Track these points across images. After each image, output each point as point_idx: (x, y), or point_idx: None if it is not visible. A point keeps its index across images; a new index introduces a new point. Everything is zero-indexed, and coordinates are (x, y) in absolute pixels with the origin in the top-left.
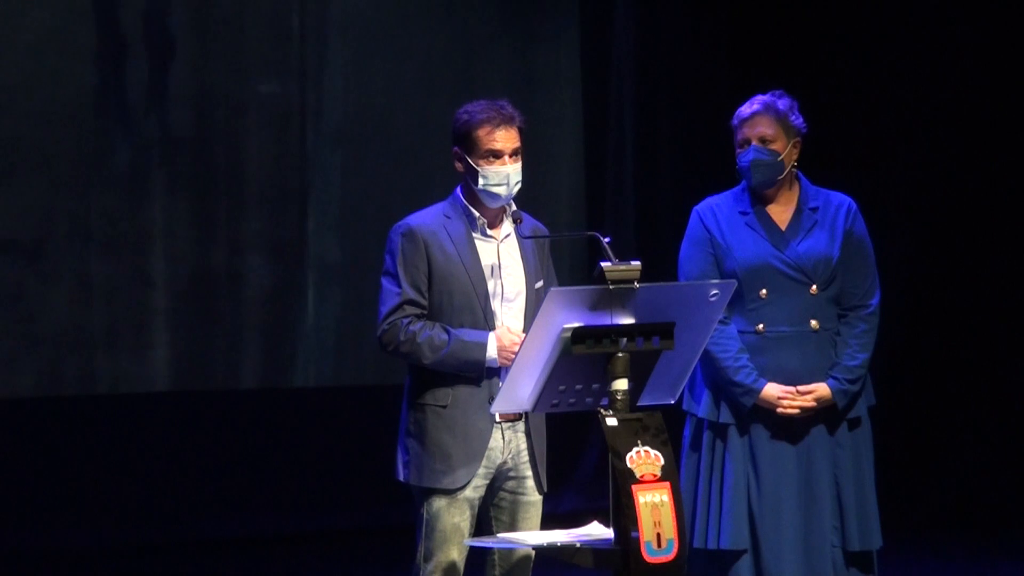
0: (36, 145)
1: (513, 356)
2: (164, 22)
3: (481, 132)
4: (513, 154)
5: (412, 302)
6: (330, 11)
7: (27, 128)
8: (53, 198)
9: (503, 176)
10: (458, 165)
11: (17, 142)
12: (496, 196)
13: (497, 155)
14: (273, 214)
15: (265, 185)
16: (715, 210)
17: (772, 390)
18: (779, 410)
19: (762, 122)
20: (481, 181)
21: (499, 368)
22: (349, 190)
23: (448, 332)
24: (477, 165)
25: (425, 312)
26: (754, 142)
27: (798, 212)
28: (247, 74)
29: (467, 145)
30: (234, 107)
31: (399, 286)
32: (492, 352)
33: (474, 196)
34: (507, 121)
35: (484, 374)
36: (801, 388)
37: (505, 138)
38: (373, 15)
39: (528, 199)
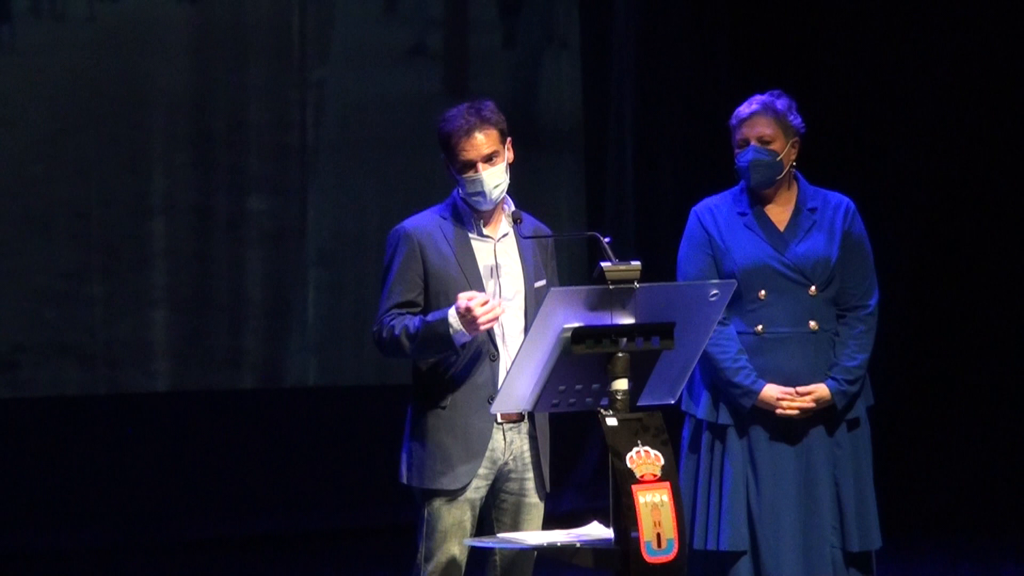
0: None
1: (477, 317)
2: None
3: (453, 141)
4: (487, 159)
5: (403, 304)
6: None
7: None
8: (54, 199)
9: (478, 184)
10: (446, 172)
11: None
12: (478, 202)
13: (470, 164)
14: (274, 209)
15: (267, 177)
16: (713, 211)
17: (771, 391)
18: (778, 411)
19: (761, 122)
20: (461, 191)
21: (497, 367)
22: (351, 188)
23: (420, 319)
24: (456, 175)
25: (417, 311)
26: (753, 142)
27: (796, 212)
28: None
29: (447, 154)
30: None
31: (393, 289)
32: (455, 324)
33: None
34: (476, 127)
35: (458, 350)
36: (800, 389)
37: (475, 145)
38: None
39: (528, 199)
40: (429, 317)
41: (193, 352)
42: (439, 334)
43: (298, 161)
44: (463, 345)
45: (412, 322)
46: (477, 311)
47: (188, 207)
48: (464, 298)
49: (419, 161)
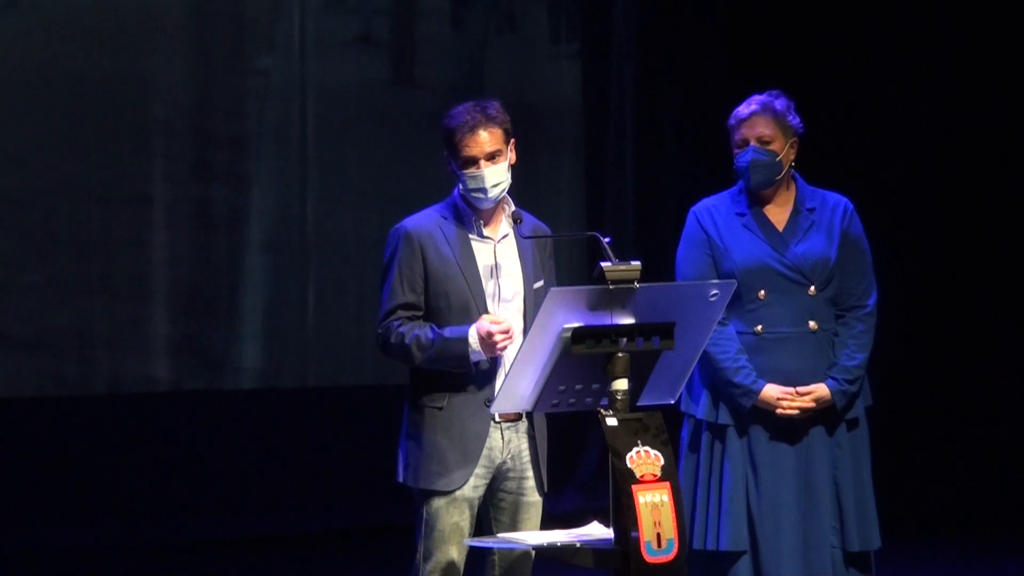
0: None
1: (497, 343)
2: None
3: (457, 138)
4: (489, 157)
5: (405, 305)
6: None
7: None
8: (54, 198)
9: (479, 180)
10: (447, 168)
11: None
12: (478, 200)
13: (472, 161)
14: (274, 213)
15: (266, 185)
16: (712, 211)
17: (771, 391)
18: (778, 411)
19: (760, 122)
20: (462, 187)
21: (495, 369)
22: (352, 189)
23: (434, 331)
24: (458, 170)
25: (420, 314)
26: (752, 142)
27: (795, 213)
28: None
29: (449, 149)
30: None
31: (394, 289)
32: (475, 345)
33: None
34: (480, 124)
35: (472, 368)
36: (800, 389)
37: (478, 142)
38: None
39: (528, 199)
40: (447, 333)
41: (194, 352)
42: (456, 352)
43: (244, 150)
44: (476, 363)
45: (425, 333)
46: (498, 338)
47: (129, 195)
48: (487, 320)
49: (366, 149)
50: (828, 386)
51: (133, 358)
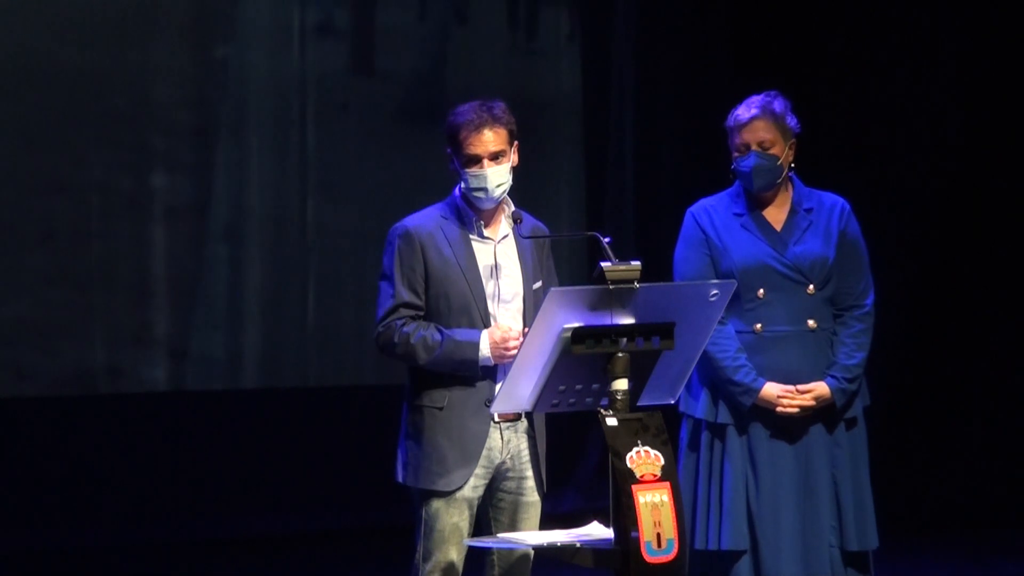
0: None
1: (507, 352)
2: None
3: (462, 136)
4: (493, 157)
5: (408, 304)
6: None
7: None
8: (52, 198)
9: (482, 180)
10: (450, 166)
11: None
12: (479, 199)
13: (476, 159)
14: (274, 215)
15: (265, 183)
16: (710, 211)
17: (772, 389)
18: (779, 409)
19: (761, 127)
20: (464, 185)
21: (495, 369)
22: (353, 190)
23: (441, 332)
24: (461, 168)
25: (421, 314)
26: (754, 147)
27: (792, 213)
28: None
29: (453, 147)
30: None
31: (395, 288)
32: (485, 350)
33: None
34: (486, 124)
35: (479, 373)
36: (800, 387)
37: (483, 142)
38: None
39: (528, 199)
40: (457, 336)
41: (194, 352)
42: (465, 356)
43: (202, 139)
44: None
45: (432, 334)
46: (512, 344)
47: (88, 185)
48: (501, 330)
49: (325, 139)
50: (828, 384)
51: (133, 358)
